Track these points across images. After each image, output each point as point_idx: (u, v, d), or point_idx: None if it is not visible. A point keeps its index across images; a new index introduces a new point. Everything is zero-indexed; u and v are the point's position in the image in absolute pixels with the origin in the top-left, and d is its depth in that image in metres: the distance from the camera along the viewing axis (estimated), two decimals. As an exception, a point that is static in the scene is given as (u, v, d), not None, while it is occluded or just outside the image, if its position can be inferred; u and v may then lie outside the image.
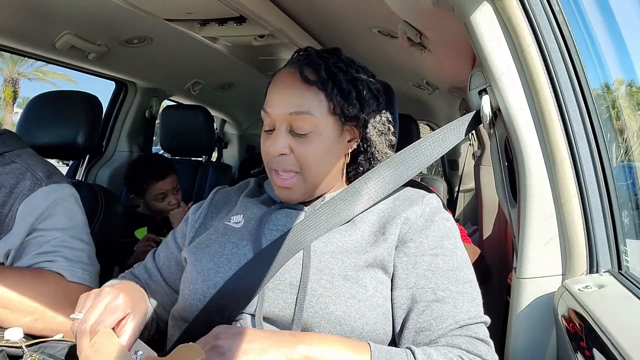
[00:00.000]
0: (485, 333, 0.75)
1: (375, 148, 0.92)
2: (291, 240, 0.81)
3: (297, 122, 0.83)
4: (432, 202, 0.88)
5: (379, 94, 0.92)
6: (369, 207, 0.86)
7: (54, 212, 1.07)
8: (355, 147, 0.92)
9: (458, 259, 0.81)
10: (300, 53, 0.91)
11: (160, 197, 1.97)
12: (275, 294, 0.77)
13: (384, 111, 0.93)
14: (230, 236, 0.87)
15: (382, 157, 0.94)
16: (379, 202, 0.87)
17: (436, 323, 0.74)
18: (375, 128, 0.91)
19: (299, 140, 0.84)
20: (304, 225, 0.83)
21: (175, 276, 0.95)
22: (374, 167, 0.93)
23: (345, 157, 0.92)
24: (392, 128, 0.95)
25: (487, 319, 0.77)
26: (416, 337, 0.75)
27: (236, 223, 0.90)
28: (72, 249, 1.07)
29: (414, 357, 0.68)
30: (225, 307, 0.78)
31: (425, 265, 0.79)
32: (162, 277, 0.97)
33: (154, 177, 1.97)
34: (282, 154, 0.84)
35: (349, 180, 0.95)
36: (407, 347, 0.71)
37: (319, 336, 0.71)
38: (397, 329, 0.78)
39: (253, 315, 0.77)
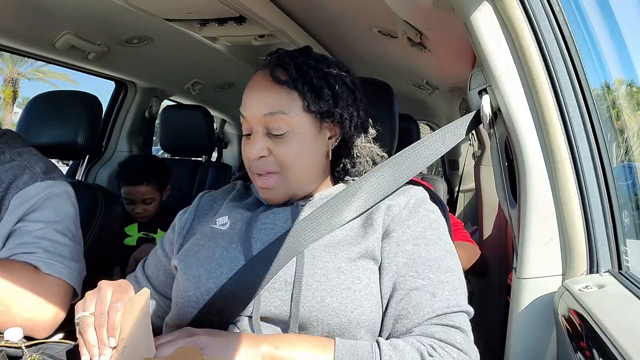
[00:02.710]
0: (463, 322, 0.74)
1: (354, 143, 0.92)
2: (287, 244, 0.80)
3: (272, 123, 0.83)
4: (418, 193, 0.88)
5: (355, 87, 0.90)
6: (370, 208, 0.86)
7: (43, 206, 1.05)
8: (337, 144, 0.91)
9: (441, 249, 0.81)
10: (272, 55, 0.91)
11: (127, 201, 1.93)
12: (270, 292, 0.77)
13: (361, 104, 0.91)
14: (218, 240, 0.86)
15: (364, 150, 0.94)
16: (379, 202, 0.87)
17: (414, 311, 0.74)
18: (352, 122, 0.89)
19: (276, 141, 0.84)
20: (302, 226, 0.82)
21: (164, 284, 0.95)
22: (359, 162, 0.94)
23: (328, 155, 0.90)
24: (371, 120, 0.94)
25: (470, 309, 0.77)
26: (395, 325, 0.75)
27: (222, 225, 0.89)
28: (54, 242, 1.04)
29: (379, 348, 0.69)
30: (222, 311, 0.78)
31: (407, 255, 0.79)
32: (151, 285, 0.96)
33: (124, 179, 1.93)
34: (261, 157, 0.84)
35: (335, 179, 0.95)
36: (375, 340, 0.72)
37: (284, 336, 0.73)
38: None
39: (250, 317, 0.77)
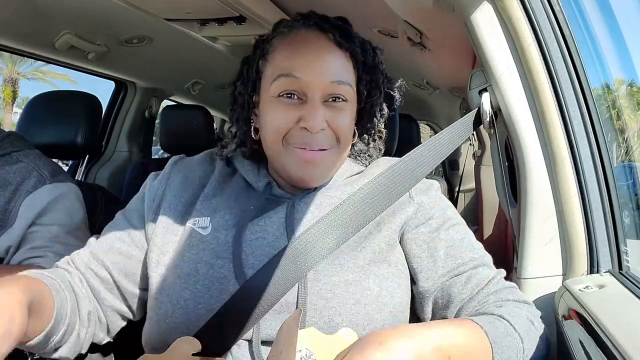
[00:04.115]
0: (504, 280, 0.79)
1: (376, 123, 0.87)
2: (286, 268, 0.70)
3: (338, 92, 0.75)
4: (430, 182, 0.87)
5: None
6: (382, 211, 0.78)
7: (54, 208, 1.08)
8: (355, 123, 0.84)
9: (460, 220, 0.83)
10: (311, 17, 0.81)
11: None
12: (271, 315, 0.70)
13: None
14: (199, 250, 0.75)
15: (378, 137, 0.91)
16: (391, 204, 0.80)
17: (475, 291, 0.75)
18: (383, 103, 0.87)
19: (334, 111, 0.75)
20: (301, 243, 0.71)
21: (121, 268, 0.79)
22: (374, 146, 0.90)
23: (354, 137, 0.85)
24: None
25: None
26: (465, 306, 0.74)
27: (203, 229, 0.77)
28: (65, 244, 1.06)
29: (507, 321, 0.67)
30: (217, 336, 0.69)
31: (444, 243, 0.78)
32: (112, 280, 0.80)
33: None
34: (321, 129, 0.74)
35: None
36: (494, 315, 0.69)
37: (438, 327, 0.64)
38: (427, 316, 0.78)
39: (250, 341, 0.71)
